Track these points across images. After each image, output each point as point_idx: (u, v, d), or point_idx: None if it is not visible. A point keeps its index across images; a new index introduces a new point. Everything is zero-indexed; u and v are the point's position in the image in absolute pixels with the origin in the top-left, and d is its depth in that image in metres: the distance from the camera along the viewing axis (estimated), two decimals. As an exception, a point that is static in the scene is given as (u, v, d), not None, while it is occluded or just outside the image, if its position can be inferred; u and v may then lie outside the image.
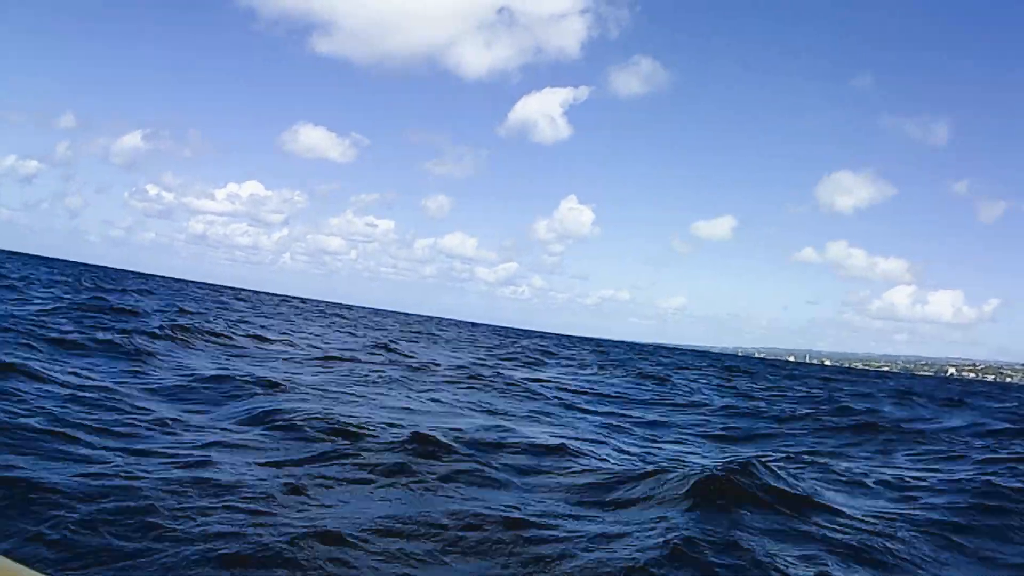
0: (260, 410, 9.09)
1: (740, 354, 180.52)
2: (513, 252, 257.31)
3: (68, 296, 24.88)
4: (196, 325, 19.05)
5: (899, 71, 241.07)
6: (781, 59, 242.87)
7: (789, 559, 5.27)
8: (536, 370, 23.85)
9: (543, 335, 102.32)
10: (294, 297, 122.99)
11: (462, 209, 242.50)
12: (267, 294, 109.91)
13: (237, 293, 78.30)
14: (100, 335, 14.08)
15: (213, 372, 12.07)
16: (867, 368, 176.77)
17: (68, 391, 8.60)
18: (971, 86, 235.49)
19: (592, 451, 8.95)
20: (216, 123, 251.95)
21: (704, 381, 28.94)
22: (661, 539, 5.25)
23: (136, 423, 7.62)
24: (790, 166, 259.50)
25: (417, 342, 31.41)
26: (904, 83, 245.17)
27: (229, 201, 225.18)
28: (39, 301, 21.18)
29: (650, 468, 7.76)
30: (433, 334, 44.78)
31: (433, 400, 12.38)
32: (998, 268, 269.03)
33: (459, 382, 15.89)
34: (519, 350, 36.60)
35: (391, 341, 26.53)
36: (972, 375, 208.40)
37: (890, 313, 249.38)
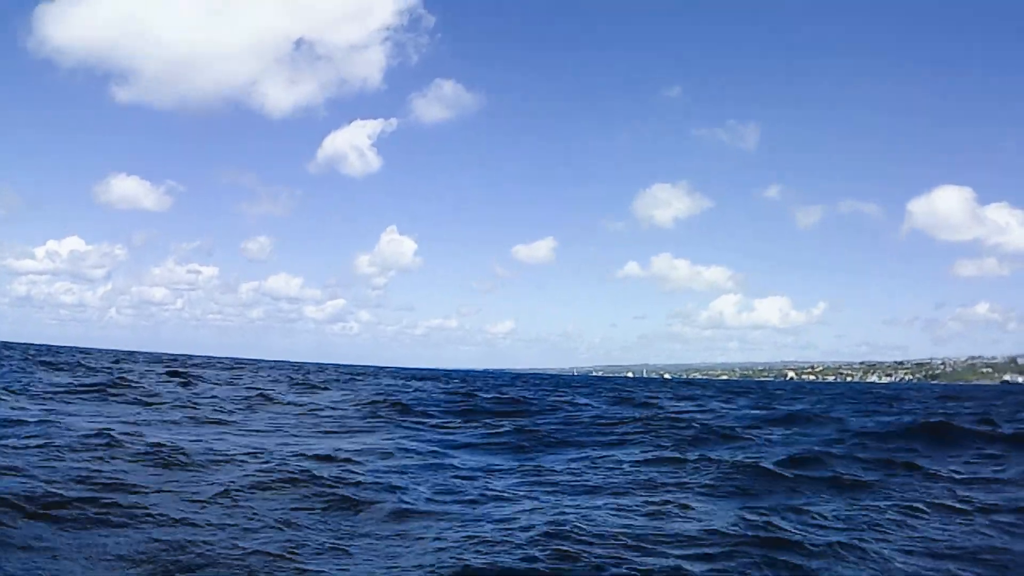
0: None
1: (576, 373, 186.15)
2: (339, 288, 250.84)
3: None
4: None
5: (706, 78, 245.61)
6: (588, 75, 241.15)
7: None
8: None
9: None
10: (118, 350, 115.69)
11: (283, 249, 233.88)
12: (95, 350, 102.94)
13: (57, 351, 73.23)
14: None
15: None
16: (706, 377, 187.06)
17: None
18: (776, 91, 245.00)
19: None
20: (28, 178, 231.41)
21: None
22: None
23: None
24: (606, 183, 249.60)
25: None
26: (711, 90, 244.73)
27: (49, 259, 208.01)
28: None
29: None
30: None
31: None
32: (821, 272, 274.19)
33: None
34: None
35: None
36: (812, 377, 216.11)
37: (719, 322, 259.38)
